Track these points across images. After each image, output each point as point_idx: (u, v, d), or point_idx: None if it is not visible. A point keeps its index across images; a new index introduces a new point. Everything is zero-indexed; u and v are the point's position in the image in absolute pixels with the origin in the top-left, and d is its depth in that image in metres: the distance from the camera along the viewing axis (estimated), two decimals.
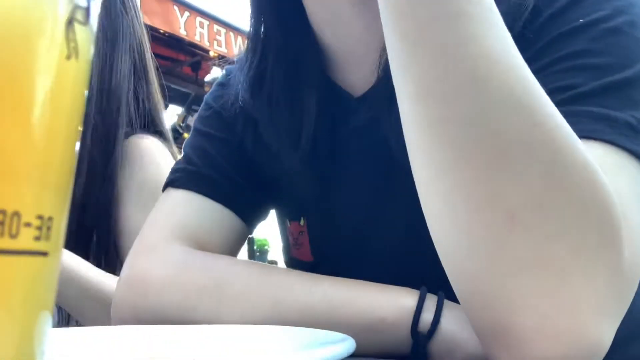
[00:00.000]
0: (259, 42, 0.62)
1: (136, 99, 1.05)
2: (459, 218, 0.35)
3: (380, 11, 0.36)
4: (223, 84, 0.70)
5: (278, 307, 0.50)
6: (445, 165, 0.35)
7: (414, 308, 0.46)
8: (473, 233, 0.35)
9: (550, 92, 0.42)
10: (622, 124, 0.40)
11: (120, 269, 0.98)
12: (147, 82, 1.08)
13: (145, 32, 1.12)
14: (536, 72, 0.44)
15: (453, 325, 0.46)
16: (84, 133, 0.96)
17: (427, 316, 0.46)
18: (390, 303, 0.47)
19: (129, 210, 0.98)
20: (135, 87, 1.05)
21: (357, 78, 0.59)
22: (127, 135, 1.02)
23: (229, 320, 0.51)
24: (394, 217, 0.58)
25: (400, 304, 0.47)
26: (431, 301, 0.47)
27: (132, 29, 1.06)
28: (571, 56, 0.44)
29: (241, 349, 0.41)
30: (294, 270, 0.54)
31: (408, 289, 0.49)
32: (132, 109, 1.04)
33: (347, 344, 0.35)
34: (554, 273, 0.34)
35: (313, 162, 0.61)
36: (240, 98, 0.63)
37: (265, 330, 0.44)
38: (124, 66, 1.03)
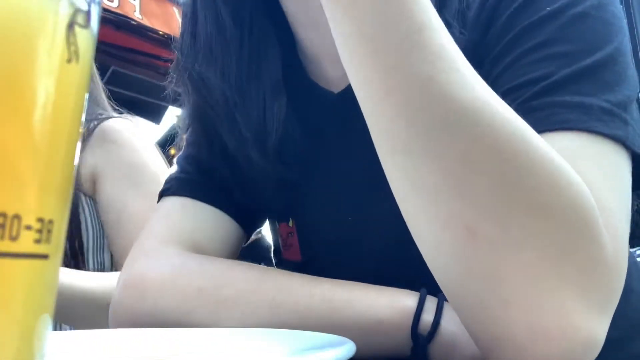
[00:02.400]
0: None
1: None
2: (426, 238, 0.37)
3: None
4: None
5: (277, 310, 0.50)
6: (403, 192, 0.36)
7: (414, 310, 0.46)
8: (441, 252, 0.36)
9: (524, 85, 0.42)
10: (597, 110, 0.40)
11: (107, 246, 1.01)
12: None
13: None
14: (510, 64, 0.45)
15: (453, 326, 0.46)
16: None
17: (427, 317, 0.46)
18: (390, 305, 0.47)
19: (107, 185, 1.02)
20: None
21: (337, 76, 0.59)
22: (102, 119, 1.06)
23: (227, 323, 0.51)
24: (383, 214, 0.58)
25: (400, 305, 0.47)
26: (431, 303, 0.47)
27: None
28: (541, 45, 0.44)
29: (240, 352, 0.41)
30: (293, 273, 0.54)
31: (408, 291, 0.48)
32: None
33: (347, 347, 0.35)
34: (528, 280, 0.34)
35: (287, 157, 0.61)
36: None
37: (265, 333, 0.44)
38: None
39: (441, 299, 0.47)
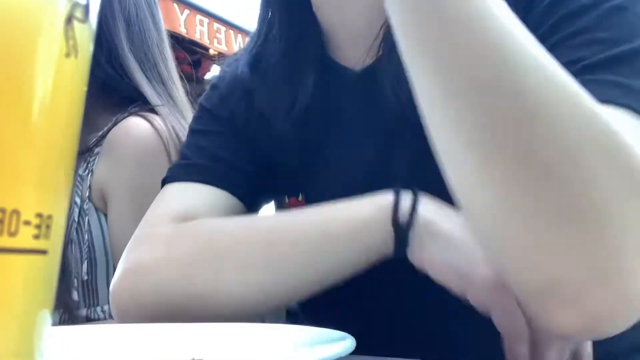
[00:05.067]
0: (264, 26, 0.65)
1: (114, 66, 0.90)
2: (495, 180, 0.37)
3: None
4: (215, 86, 0.72)
5: (272, 247, 0.52)
6: (476, 133, 0.36)
7: (393, 203, 0.49)
8: (511, 191, 0.36)
9: (564, 65, 0.44)
10: (636, 90, 0.42)
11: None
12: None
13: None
14: (549, 49, 0.46)
15: (431, 213, 0.48)
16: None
17: (405, 204, 0.48)
18: (371, 204, 0.50)
19: (112, 211, 0.87)
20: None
21: (358, 53, 0.60)
22: (119, 119, 0.88)
23: (228, 275, 0.52)
24: (394, 187, 0.59)
25: (380, 203, 0.50)
26: (407, 195, 0.49)
27: None
28: (580, 32, 0.46)
29: (241, 348, 0.41)
30: (278, 213, 0.56)
31: (385, 192, 0.51)
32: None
33: (347, 343, 0.35)
34: (593, 221, 0.35)
35: (304, 132, 0.63)
36: (239, 71, 0.66)
37: (266, 329, 0.44)
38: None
39: (416, 192, 0.49)
